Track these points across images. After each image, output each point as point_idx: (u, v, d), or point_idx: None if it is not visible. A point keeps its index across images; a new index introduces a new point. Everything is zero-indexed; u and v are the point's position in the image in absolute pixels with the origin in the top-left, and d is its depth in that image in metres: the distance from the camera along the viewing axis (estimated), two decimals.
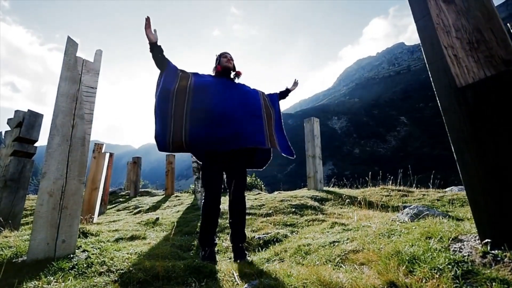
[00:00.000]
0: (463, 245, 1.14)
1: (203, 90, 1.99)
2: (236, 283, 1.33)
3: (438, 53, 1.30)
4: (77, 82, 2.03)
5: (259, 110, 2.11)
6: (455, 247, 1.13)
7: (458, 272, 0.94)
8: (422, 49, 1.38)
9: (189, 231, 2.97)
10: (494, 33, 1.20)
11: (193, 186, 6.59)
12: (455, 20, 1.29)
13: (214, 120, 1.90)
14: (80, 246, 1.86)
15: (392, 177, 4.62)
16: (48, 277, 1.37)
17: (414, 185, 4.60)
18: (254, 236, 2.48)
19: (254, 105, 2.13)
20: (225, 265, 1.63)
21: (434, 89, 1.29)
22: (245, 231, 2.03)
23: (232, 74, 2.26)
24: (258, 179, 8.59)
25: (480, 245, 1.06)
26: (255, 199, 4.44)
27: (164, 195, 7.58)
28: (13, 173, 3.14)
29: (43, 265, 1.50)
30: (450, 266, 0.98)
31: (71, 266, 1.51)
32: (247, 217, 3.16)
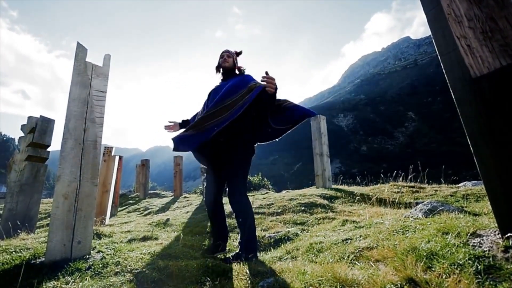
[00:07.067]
0: (483, 240, 1.11)
1: (203, 107, 2.19)
2: (249, 281, 1.33)
3: (451, 44, 1.27)
4: (88, 86, 2.07)
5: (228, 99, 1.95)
6: (474, 242, 1.10)
7: (479, 267, 0.91)
8: (433, 40, 1.35)
9: (199, 231, 2.99)
10: (509, 22, 1.16)
11: (201, 187, 6.63)
12: (467, 10, 1.25)
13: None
14: (95, 247, 1.90)
15: (402, 174, 4.54)
16: (66, 277, 1.40)
17: (425, 181, 4.51)
18: (264, 235, 2.48)
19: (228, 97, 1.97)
20: (238, 264, 1.64)
21: (448, 81, 1.26)
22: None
23: (237, 70, 2.25)
24: (265, 179, 8.59)
25: (501, 239, 1.03)
26: (264, 198, 4.44)
27: (172, 197, 7.66)
28: (27, 178, 3.23)
29: (61, 266, 1.53)
30: (470, 262, 0.95)
31: (87, 267, 1.54)
32: (256, 216, 3.16)
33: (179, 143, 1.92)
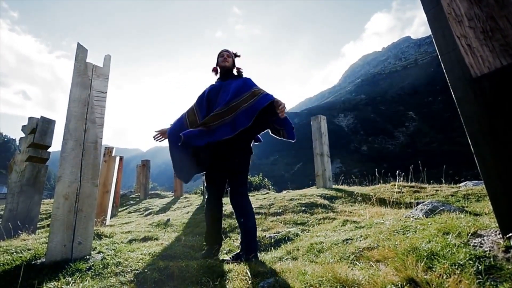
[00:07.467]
0: (483, 240, 1.10)
1: (201, 108, 2.11)
2: (250, 281, 1.33)
3: (451, 43, 1.27)
4: (88, 87, 2.07)
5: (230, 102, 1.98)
6: (475, 242, 1.10)
7: (480, 267, 0.91)
8: (433, 40, 1.34)
9: (200, 231, 2.99)
10: (509, 21, 1.16)
11: (202, 187, 6.64)
12: (467, 9, 1.25)
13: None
14: (95, 248, 1.90)
15: (403, 174, 4.54)
16: (66, 278, 1.40)
17: (426, 181, 4.50)
18: (265, 235, 2.48)
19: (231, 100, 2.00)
20: (238, 264, 1.64)
21: (448, 81, 1.26)
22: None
23: (235, 71, 2.25)
24: (266, 179, 8.58)
25: (502, 239, 1.03)
26: (264, 198, 4.44)
27: (173, 197, 7.66)
28: (28, 179, 3.23)
29: (61, 266, 1.53)
30: (471, 262, 0.95)
31: (87, 267, 1.54)
32: (256, 216, 3.15)
33: (189, 138, 1.89)
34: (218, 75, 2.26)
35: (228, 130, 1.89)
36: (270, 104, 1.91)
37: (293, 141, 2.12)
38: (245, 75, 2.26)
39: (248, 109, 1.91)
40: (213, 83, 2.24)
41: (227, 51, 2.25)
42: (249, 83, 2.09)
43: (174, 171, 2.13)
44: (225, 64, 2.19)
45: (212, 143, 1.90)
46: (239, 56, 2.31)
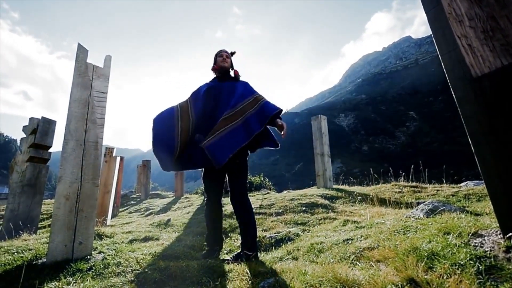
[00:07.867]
0: (484, 240, 1.10)
1: (196, 104, 2.10)
2: (250, 281, 1.33)
3: (451, 43, 1.27)
4: (89, 87, 2.07)
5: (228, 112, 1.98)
6: (475, 242, 1.10)
7: (480, 267, 0.91)
8: (434, 40, 1.34)
9: (200, 231, 2.99)
10: (510, 21, 1.15)
11: (203, 188, 6.64)
12: (468, 9, 1.25)
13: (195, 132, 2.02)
14: (96, 248, 1.91)
15: (404, 173, 4.53)
16: (67, 278, 1.40)
17: (427, 181, 4.49)
18: (265, 236, 2.48)
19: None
20: (239, 264, 1.64)
21: (448, 81, 1.26)
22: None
23: (232, 73, 2.26)
24: (267, 179, 8.58)
25: (503, 239, 1.03)
26: (265, 198, 4.43)
27: (174, 197, 7.67)
28: (29, 179, 3.24)
29: (62, 267, 1.54)
30: (472, 262, 0.95)
31: (88, 267, 1.55)
32: (257, 216, 3.16)
33: (217, 152, 1.83)
34: (215, 75, 2.27)
35: (243, 135, 1.90)
36: (274, 115, 1.98)
37: (275, 148, 2.14)
38: (245, 75, 2.28)
39: (257, 114, 1.96)
40: (208, 81, 2.25)
41: (226, 51, 2.26)
42: (249, 87, 2.14)
43: (156, 158, 2.07)
44: (225, 64, 2.19)
45: (232, 154, 1.85)
46: (234, 53, 2.32)
